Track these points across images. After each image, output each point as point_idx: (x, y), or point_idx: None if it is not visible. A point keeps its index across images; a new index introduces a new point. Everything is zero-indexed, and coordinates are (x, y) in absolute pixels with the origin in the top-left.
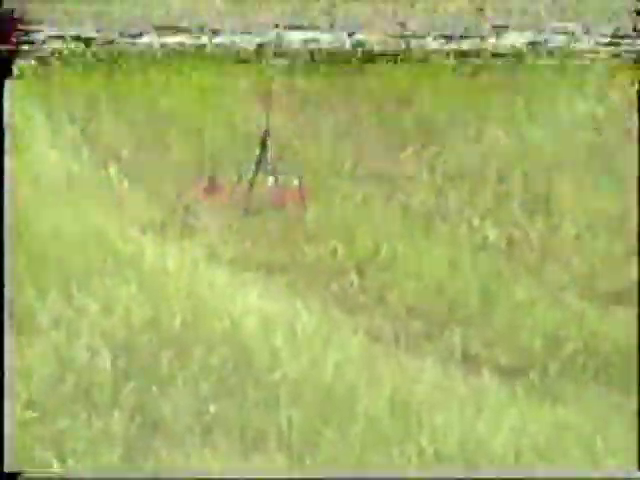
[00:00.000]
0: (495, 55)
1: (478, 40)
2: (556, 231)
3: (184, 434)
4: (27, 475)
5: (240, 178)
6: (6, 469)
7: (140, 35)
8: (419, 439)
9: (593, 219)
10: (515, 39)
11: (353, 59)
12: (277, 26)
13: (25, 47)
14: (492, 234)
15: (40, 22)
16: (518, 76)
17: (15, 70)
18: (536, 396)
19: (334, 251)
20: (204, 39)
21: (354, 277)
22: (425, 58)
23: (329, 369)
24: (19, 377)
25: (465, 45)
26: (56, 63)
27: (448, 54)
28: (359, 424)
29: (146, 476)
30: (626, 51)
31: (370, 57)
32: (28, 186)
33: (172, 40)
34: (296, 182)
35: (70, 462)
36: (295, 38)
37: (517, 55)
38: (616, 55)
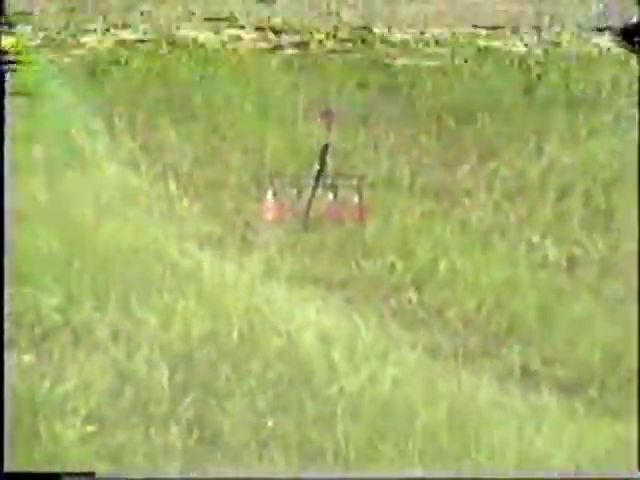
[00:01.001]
0: None
1: None
2: (616, 247)
3: (241, 448)
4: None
5: (299, 193)
6: (6, 469)
7: None
8: (477, 456)
9: None
10: None
11: None
12: None
13: None
14: (552, 252)
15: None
16: (577, 90)
17: None
18: (595, 412)
19: (392, 266)
20: None
21: (412, 292)
22: None
23: (387, 384)
24: (78, 391)
25: None
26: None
27: None
28: (417, 440)
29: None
30: None
31: None
32: (88, 200)
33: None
34: (355, 197)
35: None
36: None
37: None
38: None
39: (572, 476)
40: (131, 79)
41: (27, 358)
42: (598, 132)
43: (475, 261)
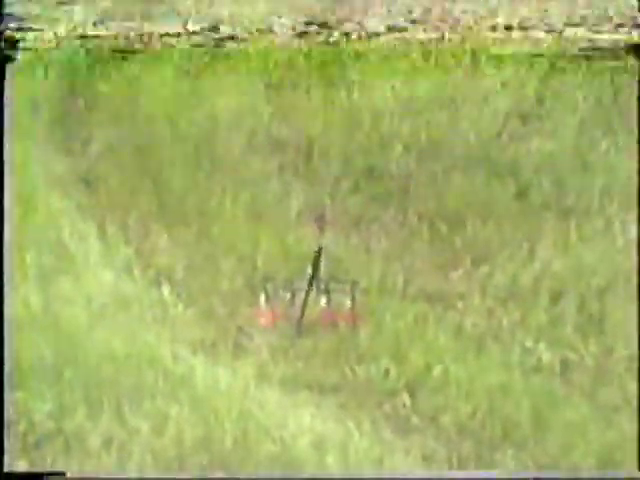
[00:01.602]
0: None
1: None
2: (610, 353)
3: None
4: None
5: (292, 298)
6: (6, 469)
7: None
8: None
9: None
10: None
11: None
12: None
13: None
14: (545, 356)
15: None
16: (568, 197)
17: None
18: None
19: (386, 371)
20: None
21: (406, 398)
22: None
23: None
24: None
25: None
26: None
27: None
28: None
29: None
30: None
31: None
32: (81, 307)
33: None
34: (349, 302)
35: None
36: None
37: None
38: None
39: (572, 476)
40: (124, 185)
41: (20, 466)
42: (590, 238)
43: (469, 366)
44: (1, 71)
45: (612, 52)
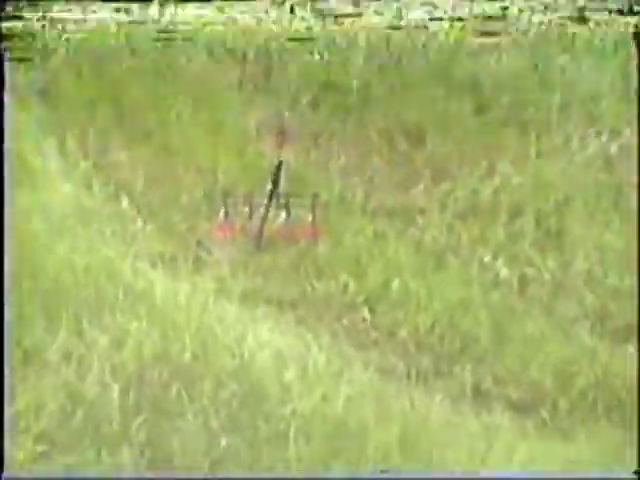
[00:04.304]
0: None
1: None
2: (568, 267)
3: (194, 468)
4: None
5: (252, 213)
6: (6, 469)
7: None
8: (429, 475)
9: (604, 255)
10: None
11: None
12: None
13: None
14: (504, 271)
15: None
16: (527, 112)
17: None
18: (547, 432)
19: (345, 286)
20: None
21: (365, 312)
22: None
23: (340, 404)
24: (29, 411)
25: None
26: None
27: None
28: (369, 460)
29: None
30: None
31: None
32: (40, 220)
33: None
34: (308, 217)
35: None
36: None
37: None
38: None
39: (572, 476)
40: (83, 98)
41: None
42: (548, 154)
43: (428, 281)
44: None
45: None
